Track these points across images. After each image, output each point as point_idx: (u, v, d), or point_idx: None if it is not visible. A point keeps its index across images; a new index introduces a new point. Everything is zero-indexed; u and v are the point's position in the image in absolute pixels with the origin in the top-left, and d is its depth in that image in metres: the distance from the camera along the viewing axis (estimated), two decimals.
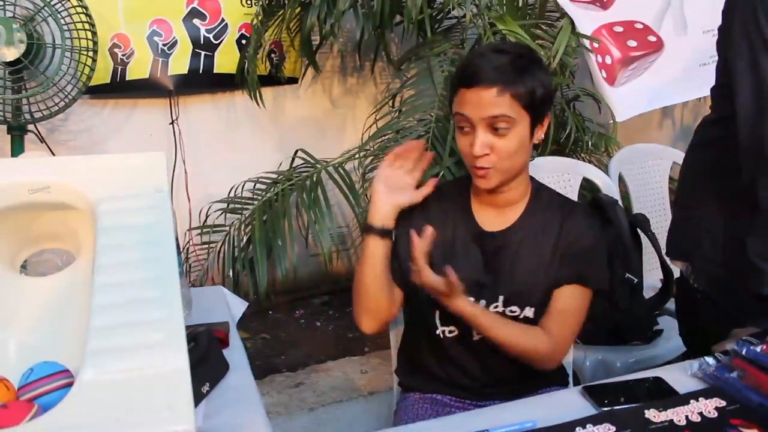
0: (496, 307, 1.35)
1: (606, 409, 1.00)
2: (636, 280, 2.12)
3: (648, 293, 2.18)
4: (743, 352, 1.04)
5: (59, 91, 2.50)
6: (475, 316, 1.28)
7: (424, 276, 1.24)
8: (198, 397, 1.03)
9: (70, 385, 0.97)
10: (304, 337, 3.02)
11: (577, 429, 0.92)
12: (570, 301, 1.35)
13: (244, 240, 2.84)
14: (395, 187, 1.37)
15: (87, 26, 2.49)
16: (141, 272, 1.06)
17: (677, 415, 0.96)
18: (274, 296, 3.00)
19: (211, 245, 2.94)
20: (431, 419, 1.10)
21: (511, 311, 1.35)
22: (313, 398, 2.50)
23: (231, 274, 2.75)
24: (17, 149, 2.52)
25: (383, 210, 1.35)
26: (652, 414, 0.97)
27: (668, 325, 2.18)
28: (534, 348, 1.30)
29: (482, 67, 1.24)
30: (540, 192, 1.40)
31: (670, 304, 2.22)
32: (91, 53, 2.52)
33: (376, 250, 1.34)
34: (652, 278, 2.28)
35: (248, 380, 1.15)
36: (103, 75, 2.84)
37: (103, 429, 0.87)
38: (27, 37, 2.37)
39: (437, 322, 1.39)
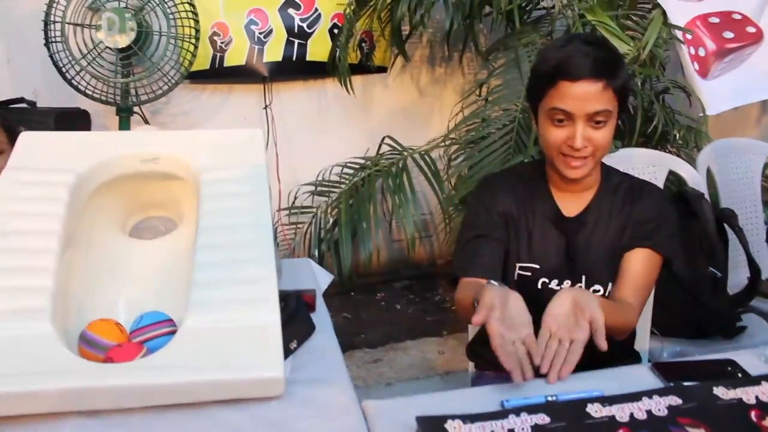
0: (580, 287, 1.38)
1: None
2: (720, 274, 2.10)
3: (734, 290, 2.16)
4: None
5: (163, 76, 2.66)
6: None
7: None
8: (286, 352, 1.11)
9: (173, 332, 1.07)
10: (383, 318, 3.10)
11: (643, 399, 0.95)
12: (640, 267, 1.36)
13: (330, 222, 2.94)
14: None
15: (190, 15, 2.64)
16: (239, 235, 1.16)
17: (747, 394, 0.98)
18: (356, 278, 3.09)
19: (298, 226, 3.06)
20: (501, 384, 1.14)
21: (594, 290, 1.38)
22: (391, 374, 2.58)
23: (317, 253, 2.86)
24: (124, 129, 2.71)
25: None
26: (720, 391, 0.99)
27: (753, 322, 2.13)
28: (629, 321, 1.32)
29: (584, 60, 1.24)
30: (610, 175, 1.42)
31: (757, 302, 2.19)
32: (193, 40, 2.67)
33: None
34: (738, 276, 2.25)
35: (332, 342, 1.23)
36: (203, 61, 2.99)
37: (202, 370, 0.97)
38: (137, 25, 2.54)
39: None
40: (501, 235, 1.40)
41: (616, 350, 1.39)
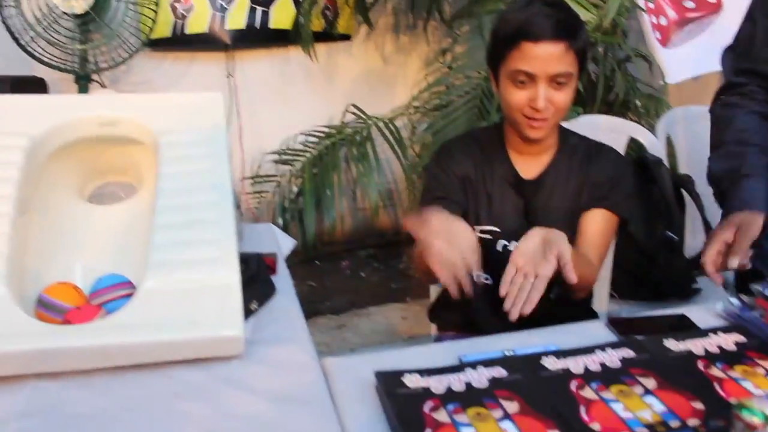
0: None
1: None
2: (677, 238, 2.15)
3: (691, 254, 2.21)
4: (767, 292, 1.08)
5: (123, 43, 2.61)
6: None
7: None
8: (247, 313, 1.11)
9: (132, 295, 1.06)
10: (348, 286, 3.12)
11: (597, 352, 0.98)
12: (597, 227, 1.38)
13: (294, 191, 2.93)
14: None
15: None
16: (198, 197, 1.15)
17: (696, 346, 1.01)
18: (321, 246, 3.10)
19: (262, 195, 3.05)
20: (458, 340, 1.16)
21: None
22: (355, 339, 2.60)
23: (281, 222, 2.86)
24: None
25: None
26: (671, 344, 1.01)
27: (707, 285, 2.18)
28: (591, 276, 1.34)
29: (546, 21, 1.25)
30: (567, 137, 1.44)
31: None
32: (153, 6, 2.62)
33: None
34: (695, 240, 2.30)
35: (294, 304, 1.23)
36: (164, 29, 2.93)
37: (161, 330, 0.97)
38: None
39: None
40: (460, 198, 1.41)
41: (575, 311, 1.42)
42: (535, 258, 1.09)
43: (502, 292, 1.05)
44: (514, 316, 1.03)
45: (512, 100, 1.31)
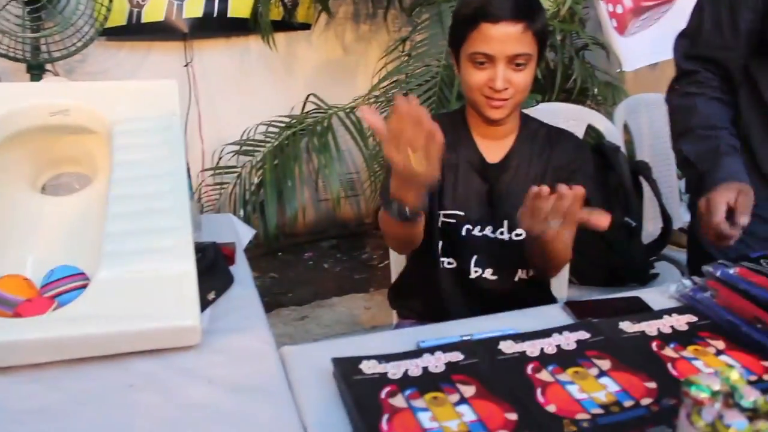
0: (501, 233, 1.41)
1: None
2: (634, 224, 2.19)
3: (648, 239, 2.25)
4: (717, 274, 1.10)
5: (77, 32, 2.56)
6: None
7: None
8: (204, 303, 1.10)
9: (86, 286, 1.04)
10: (311, 277, 3.11)
11: (553, 335, 0.99)
12: None
13: (256, 182, 2.91)
14: None
15: None
16: (153, 185, 1.13)
17: (650, 327, 1.03)
18: (283, 237, 3.08)
19: (223, 186, 3.02)
20: (418, 326, 1.16)
21: (517, 234, 1.41)
22: (318, 330, 2.60)
23: (242, 213, 2.83)
24: None
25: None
26: (626, 325, 1.03)
27: (665, 269, 2.23)
28: (568, 252, 1.31)
29: (505, 2, 1.26)
30: (527, 121, 1.45)
31: (668, 250, 2.29)
32: None
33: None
34: (652, 226, 2.34)
35: (252, 293, 1.22)
36: (119, 17, 2.88)
37: (116, 320, 0.95)
38: None
39: (439, 251, 1.44)
40: None
41: (535, 296, 1.44)
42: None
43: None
44: None
45: (472, 81, 1.32)
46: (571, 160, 1.41)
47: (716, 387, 0.66)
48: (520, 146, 1.42)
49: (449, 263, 1.44)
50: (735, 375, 0.67)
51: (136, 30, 2.97)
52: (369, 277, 3.05)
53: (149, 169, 1.16)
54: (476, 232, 1.41)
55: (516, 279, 1.43)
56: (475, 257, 1.42)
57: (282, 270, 3.14)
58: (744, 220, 1.19)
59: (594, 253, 2.04)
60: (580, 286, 2.09)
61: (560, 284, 1.81)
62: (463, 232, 1.41)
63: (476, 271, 1.42)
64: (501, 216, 1.41)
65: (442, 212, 1.41)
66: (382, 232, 1.32)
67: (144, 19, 2.95)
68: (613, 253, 2.10)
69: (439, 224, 1.42)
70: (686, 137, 1.44)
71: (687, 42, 1.47)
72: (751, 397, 0.66)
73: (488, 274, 1.42)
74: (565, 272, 1.85)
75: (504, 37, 1.26)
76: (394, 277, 1.69)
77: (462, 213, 1.41)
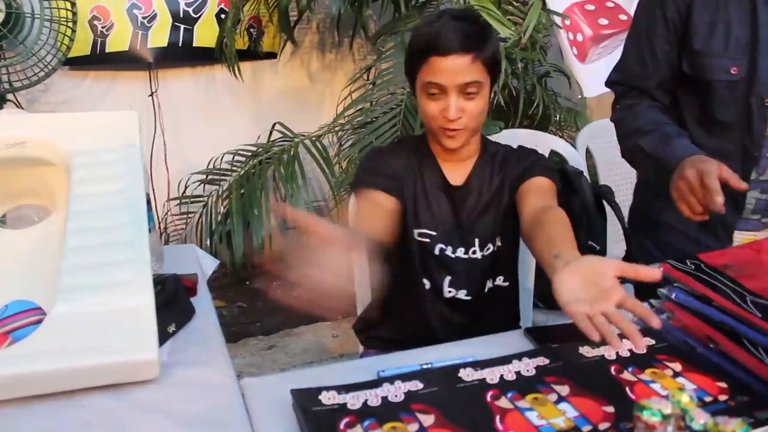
0: (474, 252, 1.43)
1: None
2: (599, 247, 2.21)
3: None
4: (673, 297, 1.12)
5: (39, 61, 2.54)
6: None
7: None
8: (164, 336, 1.09)
9: (41, 321, 1.02)
10: (279, 306, 3.07)
11: (513, 361, 0.99)
12: (542, 185, 1.38)
13: (222, 211, 2.90)
14: None
15: None
16: (111, 219, 1.12)
17: (608, 351, 1.04)
18: (251, 267, 3.06)
19: (189, 215, 3.00)
20: (379, 356, 1.16)
21: (487, 248, 1.43)
22: (285, 359, 2.58)
23: (209, 243, 2.82)
24: None
25: None
26: (585, 350, 1.04)
27: (630, 292, 2.24)
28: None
29: (453, 35, 1.29)
30: (488, 145, 1.48)
31: None
32: (70, 24, 2.56)
33: None
34: (616, 249, 2.36)
35: (214, 325, 1.21)
36: (83, 47, 2.87)
37: (72, 356, 0.94)
38: (5, 6, 2.41)
39: (418, 269, 1.44)
40: (396, 185, 1.39)
41: (502, 323, 1.45)
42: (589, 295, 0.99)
43: None
44: (639, 346, 0.92)
45: (427, 111, 1.35)
46: (530, 162, 1.42)
47: (667, 411, 0.67)
48: (481, 167, 1.44)
49: (424, 283, 1.45)
50: (685, 398, 0.68)
51: (100, 59, 2.96)
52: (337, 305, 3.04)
53: (108, 201, 1.15)
54: (449, 252, 1.43)
55: (485, 290, 1.45)
56: (449, 278, 1.44)
57: (250, 299, 3.12)
58: (720, 200, 1.13)
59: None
60: (546, 310, 2.10)
61: (525, 309, 1.82)
62: (437, 251, 1.42)
63: (450, 291, 1.44)
64: (471, 236, 1.43)
65: (417, 231, 1.43)
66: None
67: (108, 49, 2.95)
68: None
69: (416, 243, 1.43)
70: (635, 135, 1.46)
71: (615, 74, 1.55)
72: (701, 419, 0.67)
73: (462, 294, 1.44)
74: (529, 297, 1.86)
75: (453, 68, 1.29)
76: (359, 307, 1.69)
77: (434, 232, 1.43)
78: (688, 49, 1.39)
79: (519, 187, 1.40)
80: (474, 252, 1.43)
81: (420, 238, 1.43)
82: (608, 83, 1.58)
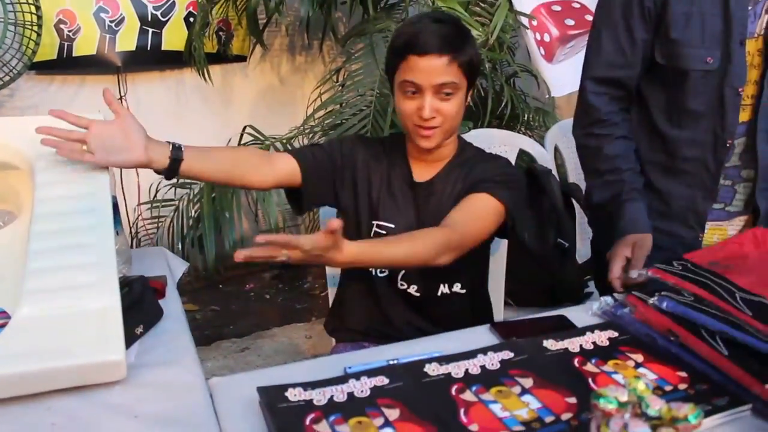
0: None
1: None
2: (567, 244, 2.24)
3: (582, 259, 2.30)
4: (663, 306, 1.12)
5: (3, 66, 2.51)
6: (363, 252, 1.19)
7: (303, 246, 1.06)
8: (132, 338, 1.09)
9: (6, 325, 1.02)
10: (252, 308, 3.08)
11: (478, 356, 1.01)
12: (477, 203, 1.37)
13: (194, 215, 2.88)
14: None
15: (30, 0, 2.50)
16: (76, 221, 1.12)
17: (572, 344, 1.06)
18: (225, 270, 3.05)
19: (160, 219, 2.98)
20: (344, 353, 1.17)
21: None
22: (258, 361, 2.58)
23: (180, 247, 2.80)
24: None
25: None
26: (549, 343, 1.06)
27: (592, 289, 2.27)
28: (433, 245, 1.26)
29: (431, 36, 1.32)
30: (465, 149, 1.49)
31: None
32: (35, 28, 2.53)
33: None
34: (585, 246, 2.39)
35: (182, 326, 1.21)
36: (49, 51, 2.84)
37: (38, 358, 0.93)
38: None
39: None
40: (325, 167, 1.45)
41: (474, 322, 1.46)
42: None
43: None
44: None
45: (403, 109, 1.38)
46: (496, 174, 1.42)
47: (623, 398, 0.68)
48: (450, 170, 1.46)
49: (381, 272, 1.47)
50: (641, 386, 0.70)
51: (67, 64, 2.93)
52: (310, 306, 3.04)
53: (72, 204, 1.15)
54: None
55: (438, 294, 1.47)
56: (402, 271, 1.46)
57: (223, 302, 3.11)
58: (633, 275, 1.26)
59: (529, 275, 2.08)
60: (516, 307, 2.13)
61: (496, 305, 1.84)
62: None
63: (402, 285, 1.47)
64: None
65: (375, 222, 1.45)
66: None
67: (75, 53, 2.92)
68: (548, 274, 2.15)
69: (372, 234, 1.46)
70: (594, 182, 1.55)
71: (598, 70, 1.51)
72: (656, 405, 0.68)
73: (413, 290, 1.47)
74: (500, 294, 1.88)
75: (430, 68, 1.32)
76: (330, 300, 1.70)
77: (392, 225, 1.45)
78: (664, 38, 1.41)
79: (472, 192, 1.40)
80: None
81: (378, 230, 1.45)
82: (594, 83, 1.52)
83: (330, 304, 1.67)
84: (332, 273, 1.73)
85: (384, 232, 1.45)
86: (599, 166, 1.52)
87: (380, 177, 1.47)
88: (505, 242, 1.88)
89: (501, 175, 1.43)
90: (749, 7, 1.35)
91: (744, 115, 1.41)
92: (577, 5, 2.93)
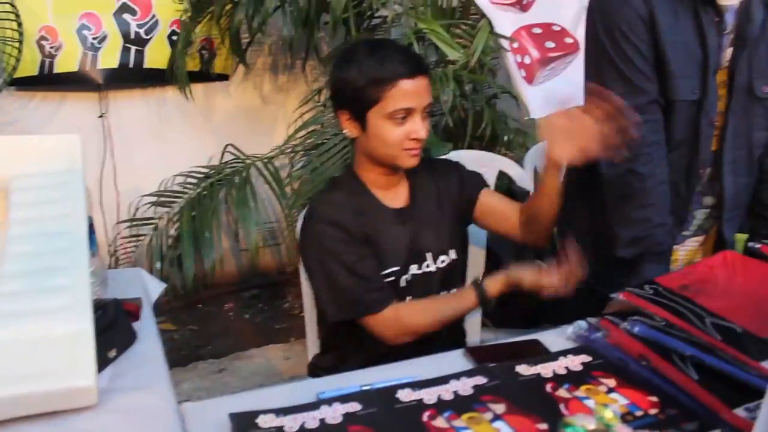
0: (428, 265, 1.47)
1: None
2: (545, 265, 2.25)
3: None
4: (635, 330, 1.14)
5: None
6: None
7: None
8: (104, 361, 1.08)
9: None
10: (231, 328, 3.07)
11: (451, 381, 1.01)
12: (487, 192, 1.57)
13: (173, 233, 2.87)
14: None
15: (11, 16, 2.50)
16: (50, 243, 1.12)
17: (545, 369, 1.06)
18: (204, 289, 3.03)
19: (140, 238, 2.97)
20: (320, 377, 1.17)
21: (441, 260, 1.48)
22: (236, 382, 2.56)
23: (159, 266, 2.78)
24: None
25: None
26: (522, 368, 1.06)
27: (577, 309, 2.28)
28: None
29: (411, 59, 1.36)
30: None
31: None
32: (16, 44, 2.53)
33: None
34: None
35: (156, 350, 1.20)
36: (30, 67, 2.83)
37: (6, 384, 0.93)
38: None
39: None
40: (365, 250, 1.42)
41: (448, 342, 1.46)
42: None
43: None
44: None
45: (392, 137, 1.36)
46: (458, 177, 1.54)
47: (591, 426, 0.69)
48: (414, 184, 1.50)
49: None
50: (609, 414, 0.71)
51: (48, 80, 2.92)
52: (289, 326, 3.03)
53: (47, 226, 1.14)
54: (409, 276, 1.46)
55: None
56: (408, 298, 1.46)
57: (202, 322, 3.09)
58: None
59: (506, 296, 2.08)
60: (495, 329, 2.13)
61: (473, 327, 1.84)
62: (404, 284, 1.45)
63: None
64: (423, 251, 1.47)
65: (383, 273, 1.44)
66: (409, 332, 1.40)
67: (57, 69, 2.91)
68: (526, 295, 2.15)
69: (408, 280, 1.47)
70: (624, 227, 1.50)
71: (641, 97, 1.43)
72: None
73: None
74: (477, 315, 1.89)
75: (420, 89, 1.35)
76: (309, 333, 1.68)
77: (397, 268, 1.44)
78: (662, 70, 1.40)
79: (473, 207, 1.51)
80: (428, 266, 1.47)
81: (388, 279, 1.44)
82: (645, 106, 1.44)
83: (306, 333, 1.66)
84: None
85: (393, 278, 1.43)
86: (632, 214, 1.47)
87: (361, 224, 1.42)
88: (482, 263, 1.88)
89: (466, 171, 1.58)
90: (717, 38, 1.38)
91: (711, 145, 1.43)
92: (557, 28, 2.96)
